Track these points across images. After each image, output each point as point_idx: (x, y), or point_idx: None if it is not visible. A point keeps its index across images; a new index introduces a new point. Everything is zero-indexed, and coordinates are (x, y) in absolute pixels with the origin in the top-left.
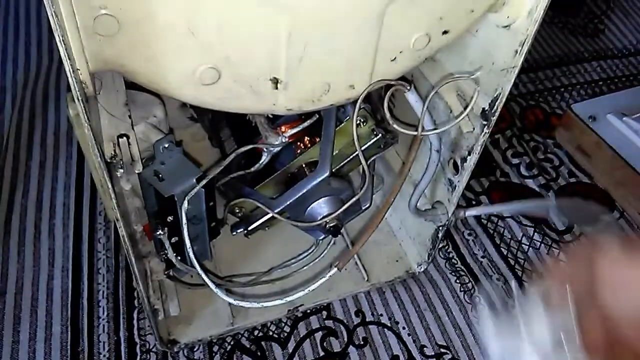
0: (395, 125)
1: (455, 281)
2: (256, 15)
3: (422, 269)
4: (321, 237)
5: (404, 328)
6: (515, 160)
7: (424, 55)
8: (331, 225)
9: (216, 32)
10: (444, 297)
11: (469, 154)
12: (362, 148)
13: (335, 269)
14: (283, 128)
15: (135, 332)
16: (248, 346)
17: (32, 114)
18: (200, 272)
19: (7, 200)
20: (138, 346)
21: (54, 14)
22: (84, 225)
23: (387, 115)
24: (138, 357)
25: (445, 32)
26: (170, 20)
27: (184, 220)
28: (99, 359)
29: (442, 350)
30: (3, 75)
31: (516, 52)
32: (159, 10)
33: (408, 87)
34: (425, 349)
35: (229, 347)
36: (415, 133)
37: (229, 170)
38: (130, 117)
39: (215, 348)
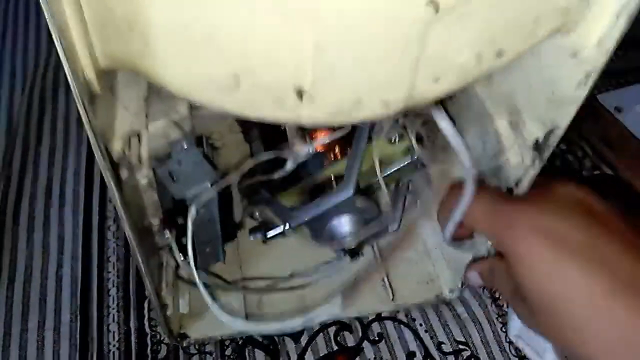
0: (421, 154)
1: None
2: (279, 23)
3: (455, 296)
4: (342, 255)
5: (420, 325)
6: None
7: (473, 76)
8: (350, 247)
9: (235, 39)
10: (463, 295)
11: (517, 185)
12: (395, 168)
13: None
14: (312, 136)
15: (146, 322)
16: (260, 340)
17: (42, 99)
18: (200, 285)
19: (16, 186)
20: (149, 337)
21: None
22: (94, 213)
23: (414, 142)
24: (148, 348)
25: (499, 54)
26: (185, 23)
27: (190, 228)
28: (109, 348)
29: (461, 346)
30: (13, 60)
31: (580, 83)
32: (174, 14)
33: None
34: (443, 345)
35: (241, 340)
36: (443, 167)
37: (254, 172)
38: (146, 115)
39: (227, 341)
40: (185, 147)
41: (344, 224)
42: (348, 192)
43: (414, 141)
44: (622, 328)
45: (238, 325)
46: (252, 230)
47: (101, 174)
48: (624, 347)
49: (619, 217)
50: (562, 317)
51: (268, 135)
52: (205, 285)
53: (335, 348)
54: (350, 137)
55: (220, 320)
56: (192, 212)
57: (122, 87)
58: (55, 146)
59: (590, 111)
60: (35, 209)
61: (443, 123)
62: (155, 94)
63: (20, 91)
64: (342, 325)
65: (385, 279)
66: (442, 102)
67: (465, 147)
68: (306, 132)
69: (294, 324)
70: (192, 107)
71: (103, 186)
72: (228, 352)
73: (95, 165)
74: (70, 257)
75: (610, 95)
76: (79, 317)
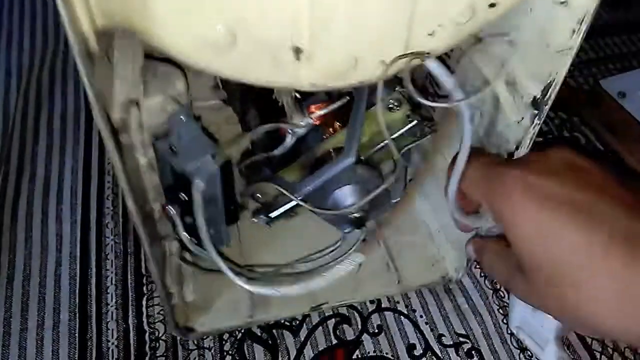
0: (420, 99)
1: (475, 267)
2: None
3: (460, 276)
4: (347, 230)
5: (421, 316)
6: (539, 139)
7: (466, 31)
8: (356, 216)
9: None
10: (463, 284)
11: (517, 148)
12: (395, 135)
13: (360, 254)
14: (310, 109)
15: (144, 319)
16: (259, 334)
17: (38, 98)
18: (215, 256)
19: (14, 185)
20: (147, 334)
21: None
22: (91, 211)
23: (410, 86)
24: (147, 345)
25: (492, 5)
26: None
27: (198, 198)
28: (108, 346)
29: (462, 339)
30: (8, 58)
31: (573, 31)
32: None
33: (426, 53)
34: (443, 337)
35: (240, 335)
36: (445, 105)
37: (252, 152)
38: (144, 90)
39: (226, 336)
40: (183, 119)
41: (346, 193)
42: (350, 159)
43: (410, 87)
44: (620, 285)
45: (253, 289)
46: (255, 212)
47: (99, 171)
48: (622, 303)
49: (613, 177)
50: (562, 279)
51: (266, 116)
52: (209, 270)
53: (335, 342)
54: (348, 110)
55: (232, 307)
56: (195, 183)
57: (118, 60)
58: (52, 144)
59: (594, 97)
60: (33, 207)
61: (434, 67)
62: (152, 72)
63: (16, 90)
64: (342, 318)
65: (391, 264)
66: None
67: (457, 87)
68: (304, 106)
69: (302, 307)
70: (191, 99)
71: (101, 184)
72: (227, 347)
73: (92, 162)
74: (68, 256)
75: (613, 80)
76: (77, 315)
